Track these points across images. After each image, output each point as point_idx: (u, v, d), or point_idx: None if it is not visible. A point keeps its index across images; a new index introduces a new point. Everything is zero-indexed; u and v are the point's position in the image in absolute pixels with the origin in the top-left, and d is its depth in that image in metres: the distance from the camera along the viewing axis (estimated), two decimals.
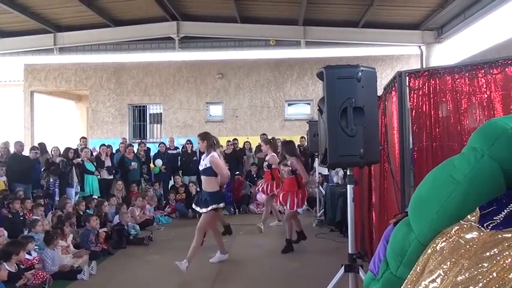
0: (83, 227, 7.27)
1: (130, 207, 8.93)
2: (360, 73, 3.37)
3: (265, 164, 8.67)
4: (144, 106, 16.57)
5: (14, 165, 9.09)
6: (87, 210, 8.35)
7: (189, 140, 12.22)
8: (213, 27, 14.01)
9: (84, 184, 9.95)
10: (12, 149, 9.73)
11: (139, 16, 13.53)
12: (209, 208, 5.82)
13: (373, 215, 5.29)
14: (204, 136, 6.04)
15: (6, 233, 6.55)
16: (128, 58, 16.11)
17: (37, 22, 13.10)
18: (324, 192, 9.37)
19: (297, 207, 6.87)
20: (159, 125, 16.68)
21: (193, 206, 6.23)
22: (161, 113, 16.33)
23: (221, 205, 5.97)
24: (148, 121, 16.75)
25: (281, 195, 6.93)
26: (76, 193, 9.93)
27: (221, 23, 13.83)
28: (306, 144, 10.48)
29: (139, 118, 16.64)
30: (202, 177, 6.08)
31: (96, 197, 9.46)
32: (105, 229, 7.58)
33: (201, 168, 6.05)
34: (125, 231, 7.74)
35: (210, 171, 5.83)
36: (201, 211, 5.94)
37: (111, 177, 10.50)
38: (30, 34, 14.18)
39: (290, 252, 6.75)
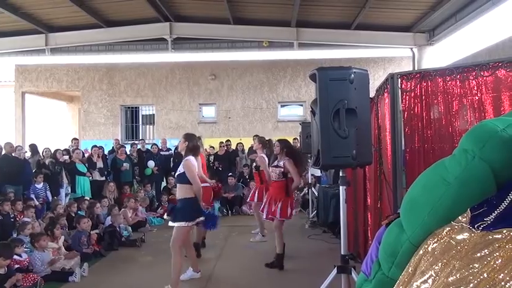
0: (75, 229, 7.21)
1: (122, 209, 8.87)
2: (353, 75, 3.39)
3: (254, 165, 8.17)
4: (136, 107, 16.54)
5: (4, 166, 9.00)
6: (79, 212, 8.30)
7: None
8: (206, 28, 14.03)
9: (75, 186, 9.89)
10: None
11: (132, 17, 13.49)
12: (175, 224, 5.02)
13: (369, 216, 5.29)
14: (188, 137, 5.34)
15: None
16: (120, 59, 16.05)
17: (28, 22, 13.03)
18: (316, 193, 9.37)
19: (289, 216, 6.10)
20: (151, 126, 16.67)
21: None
22: (154, 114, 16.31)
23: (190, 224, 5.02)
24: (140, 122, 16.73)
25: (266, 205, 6.27)
26: (66, 194, 9.87)
27: (214, 24, 13.83)
28: (299, 145, 10.49)
29: (132, 119, 16.60)
30: (177, 185, 5.32)
31: (88, 199, 9.39)
32: (97, 231, 7.53)
33: (176, 173, 5.32)
34: (117, 232, 7.69)
35: (184, 179, 5.05)
36: (170, 224, 5.14)
37: (103, 178, 10.44)
38: (22, 34, 14.09)
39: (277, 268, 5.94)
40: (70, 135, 16.65)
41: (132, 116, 16.59)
